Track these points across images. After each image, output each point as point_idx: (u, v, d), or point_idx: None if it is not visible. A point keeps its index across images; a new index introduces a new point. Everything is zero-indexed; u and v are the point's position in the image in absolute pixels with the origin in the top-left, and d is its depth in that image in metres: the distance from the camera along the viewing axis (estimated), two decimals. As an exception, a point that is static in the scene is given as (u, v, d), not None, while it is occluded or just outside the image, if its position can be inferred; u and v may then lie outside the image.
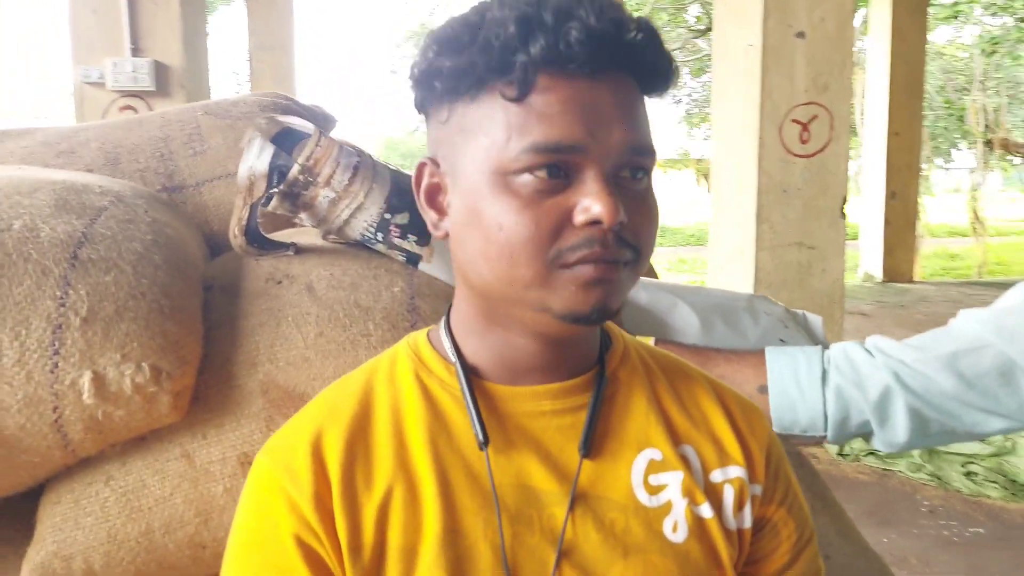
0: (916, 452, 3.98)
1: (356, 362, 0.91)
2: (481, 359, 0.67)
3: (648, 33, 0.61)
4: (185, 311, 0.90)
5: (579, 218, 0.58)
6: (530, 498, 0.64)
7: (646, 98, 0.64)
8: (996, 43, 10.02)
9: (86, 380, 0.80)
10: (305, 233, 1.19)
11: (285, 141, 1.09)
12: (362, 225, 1.04)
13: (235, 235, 1.06)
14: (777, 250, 4.07)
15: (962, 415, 0.99)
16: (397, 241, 1.05)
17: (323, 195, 1.02)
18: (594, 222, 0.58)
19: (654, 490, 0.66)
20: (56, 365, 0.80)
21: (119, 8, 3.93)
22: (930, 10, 8.48)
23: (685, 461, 0.67)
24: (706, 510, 0.66)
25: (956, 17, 9.61)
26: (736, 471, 0.68)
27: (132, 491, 0.86)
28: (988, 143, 11.30)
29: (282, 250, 1.09)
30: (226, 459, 0.87)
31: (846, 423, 1.04)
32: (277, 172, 1.02)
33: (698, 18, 13.63)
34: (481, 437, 0.63)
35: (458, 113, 0.62)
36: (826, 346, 1.38)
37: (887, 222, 8.06)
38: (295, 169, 1.01)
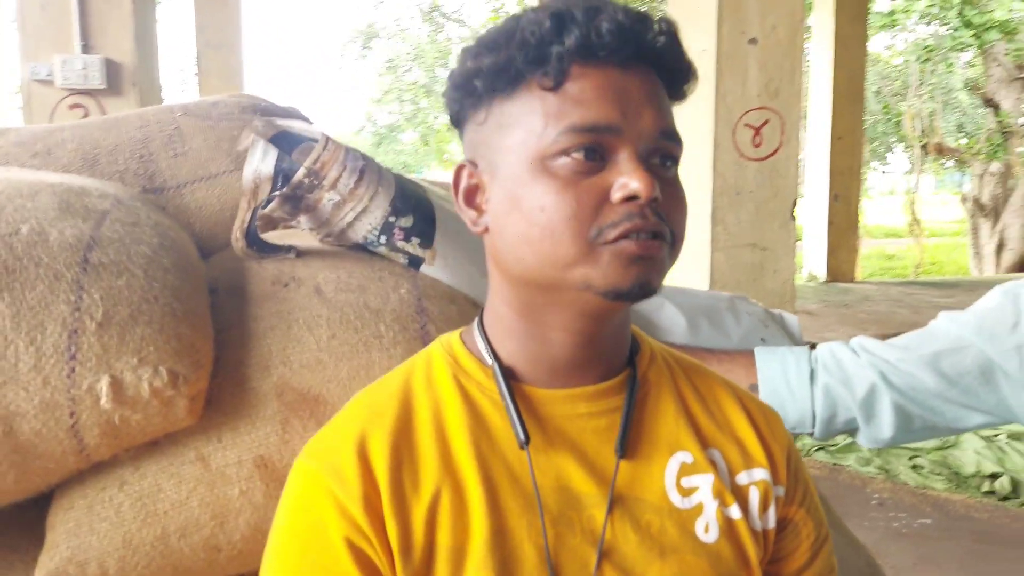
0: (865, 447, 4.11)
1: (370, 364, 0.92)
2: (517, 360, 0.69)
3: (670, 32, 0.65)
4: (197, 314, 0.90)
5: (616, 195, 0.61)
6: (570, 500, 0.66)
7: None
8: (930, 51, 10.38)
9: (104, 384, 0.80)
10: (296, 236, 1.20)
11: (282, 144, 1.09)
12: (366, 228, 1.05)
13: (237, 238, 1.06)
14: (731, 251, 4.16)
15: (944, 411, 1.04)
16: (400, 244, 1.06)
17: (327, 198, 1.03)
18: (631, 198, 0.61)
19: (686, 492, 0.68)
20: (73, 370, 0.80)
21: (69, 4, 3.83)
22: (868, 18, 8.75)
23: (713, 464, 0.70)
24: (735, 511, 0.69)
25: (893, 25, 9.92)
26: (761, 473, 0.71)
27: (147, 495, 0.86)
28: (923, 147, 11.69)
29: (282, 253, 1.09)
30: (242, 462, 0.87)
31: (833, 420, 1.09)
32: (282, 175, 1.03)
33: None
34: (523, 437, 0.65)
35: (495, 112, 0.66)
36: (801, 343, 1.44)
37: (830, 223, 8.28)
38: (301, 172, 1.01)
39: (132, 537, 0.85)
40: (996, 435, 3.99)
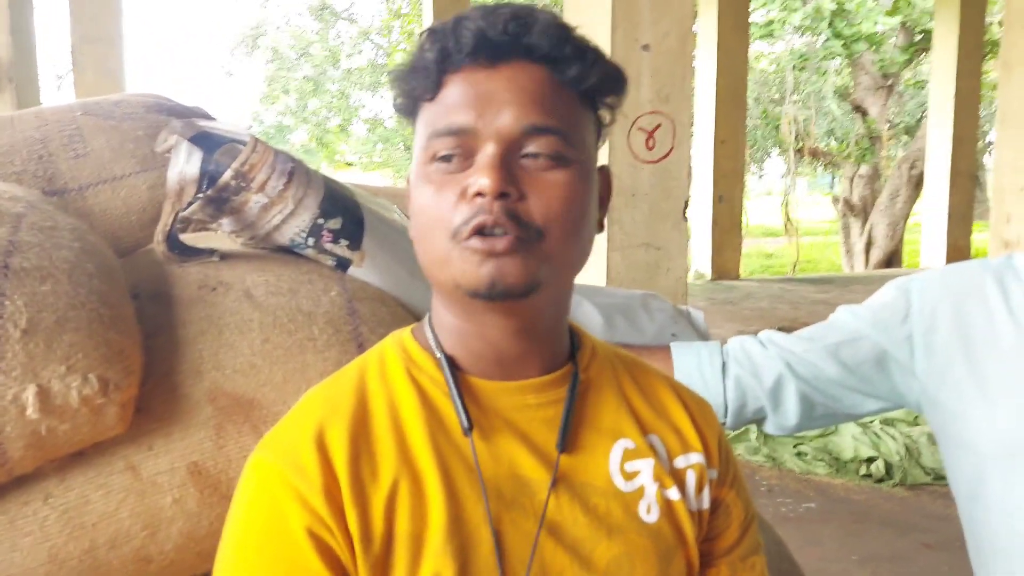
0: (753, 436, 4.32)
1: (304, 367, 0.92)
2: (461, 353, 0.71)
3: (543, 24, 0.66)
4: (124, 320, 0.87)
5: (470, 191, 0.64)
6: (521, 486, 0.68)
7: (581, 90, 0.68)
8: (805, 59, 10.95)
9: (30, 394, 0.77)
10: (211, 238, 1.18)
11: (204, 145, 1.08)
12: (293, 230, 1.05)
13: (158, 241, 1.04)
14: (627, 251, 4.29)
15: (844, 398, 1.12)
16: (329, 246, 1.06)
17: (254, 200, 1.02)
18: (479, 194, 0.63)
19: (629, 476, 0.72)
20: (-4, 380, 0.77)
21: (-64, -8, 3.58)
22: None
23: (653, 449, 0.74)
24: (674, 493, 0.73)
25: (771, 35, 10.42)
26: (696, 457, 0.76)
27: (74, 507, 0.83)
28: (799, 151, 12.32)
29: (204, 256, 1.07)
30: (175, 469, 0.86)
31: (744, 410, 1.15)
32: (207, 177, 1.01)
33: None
34: (465, 423, 0.67)
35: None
36: (708, 337, 1.51)
37: (715, 223, 8.63)
38: (228, 174, 1.00)
39: (58, 551, 0.82)
40: (871, 422, 4.26)
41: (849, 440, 4.12)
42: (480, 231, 0.62)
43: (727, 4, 8.44)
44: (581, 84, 0.68)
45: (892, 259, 11.77)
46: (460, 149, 0.65)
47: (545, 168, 0.65)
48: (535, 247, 0.64)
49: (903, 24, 11.34)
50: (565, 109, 0.67)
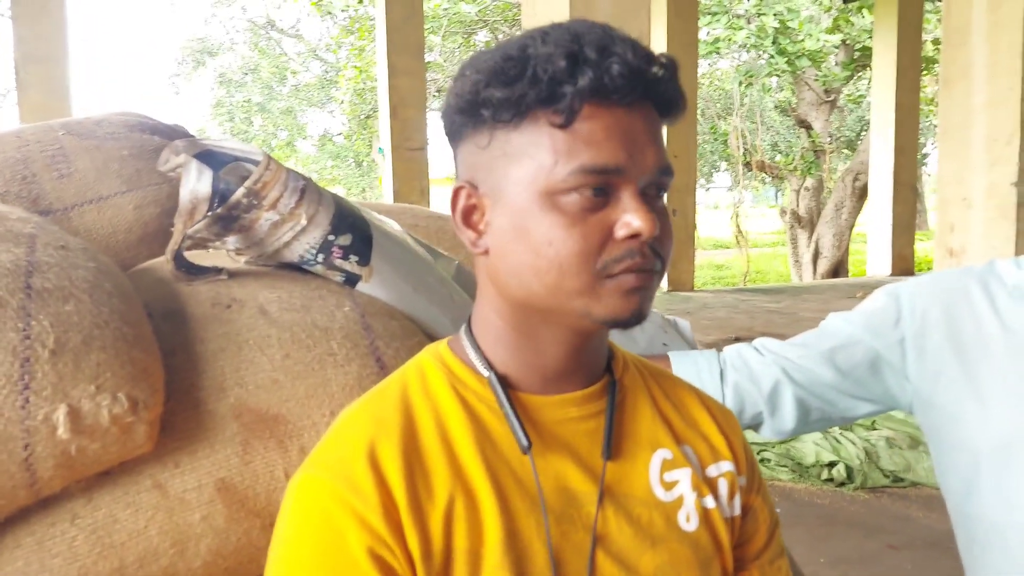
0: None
1: (326, 381, 0.93)
2: (510, 368, 0.72)
3: (671, 69, 0.68)
4: (146, 338, 0.88)
5: (621, 232, 0.65)
6: (570, 499, 0.70)
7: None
8: (751, 76, 11.21)
9: (61, 414, 0.77)
10: (215, 257, 1.18)
11: (208, 163, 1.08)
12: (303, 247, 1.06)
13: (168, 260, 1.04)
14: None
15: (838, 402, 1.16)
16: (339, 262, 1.07)
17: (265, 218, 1.03)
18: (633, 235, 0.65)
19: (668, 486, 0.74)
20: (27, 400, 0.76)
21: None
22: (697, 44, 9.36)
23: (688, 459, 0.76)
24: (710, 501, 0.75)
25: (718, 52, 10.67)
26: (727, 465, 0.78)
27: (102, 527, 0.83)
28: (746, 165, 12.59)
29: (212, 274, 1.07)
30: (202, 486, 0.86)
31: (742, 415, 1.19)
32: (218, 195, 1.01)
33: (487, 43, 14.10)
34: (525, 443, 0.68)
35: (500, 139, 0.67)
36: (695, 345, 1.55)
37: (670, 237, 8.74)
38: (240, 192, 1.00)
39: (88, 571, 0.82)
40: (832, 427, 4.36)
41: (811, 446, 4.21)
42: (630, 270, 0.65)
43: (676, 22, 8.62)
44: (671, 122, 0.71)
45: (839, 269, 12.07)
46: (605, 186, 0.65)
47: (662, 205, 0.69)
48: (659, 277, 0.68)
49: (843, 41, 11.71)
50: (665, 147, 0.70)
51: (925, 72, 11.52)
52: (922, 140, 15.22)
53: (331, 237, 1.05)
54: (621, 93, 0.65)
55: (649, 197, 0.68)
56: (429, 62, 12.27)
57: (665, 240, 0.68)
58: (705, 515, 0.75)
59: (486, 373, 0.72)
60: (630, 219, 0.65)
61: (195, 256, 1.15)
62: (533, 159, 0.66)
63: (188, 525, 0.85)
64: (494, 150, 0.68)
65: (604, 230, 0.65)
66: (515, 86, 0.65)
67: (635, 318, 0.67)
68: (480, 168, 0.70)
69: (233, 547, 0.87)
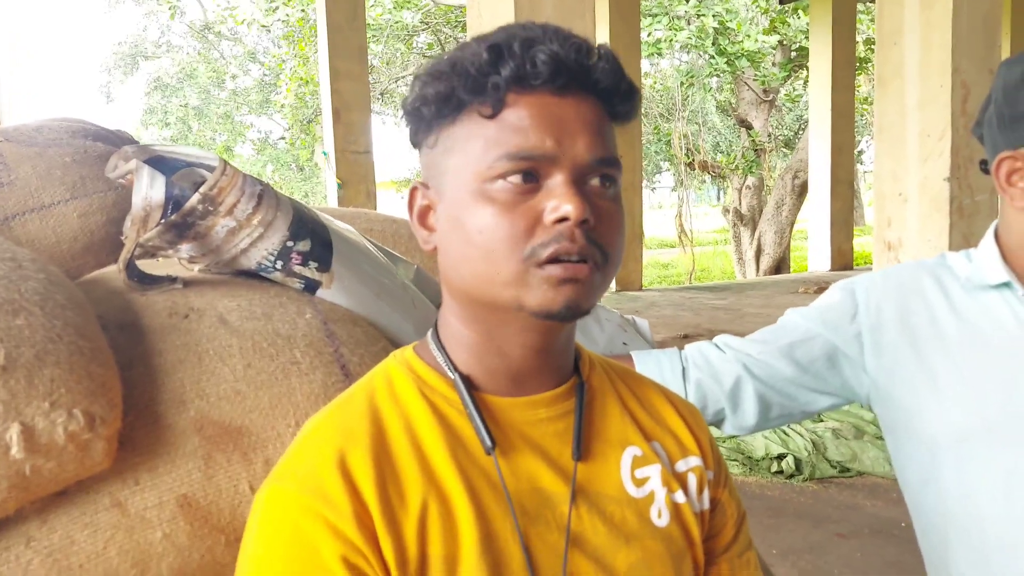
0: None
1: (291, 391, 0.91)
2: (475, 371, 0.72)
3: (608, 59, 0.69)
4: (103, 351, 0.84)
5: (549, 217, 0.65)
6: (544, 499, 0.70)
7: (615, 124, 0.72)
8: (692, 76, 11.38)
9: (14, 433, 0.73)
10: (167, 265, 1.14)
11: (160, 169, 1.05)
12: (261, 254, 1.03)
13: (120, 269, 1.00)
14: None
15: (798, 396, 1.18)
16: (298, 268, 1.05)
17: (221, 224, 1.00)
18: (561, 219, 0.64)
19: (639, 482, 0.74)
20: (-23, 420, 0.73)
21: None
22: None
23: (657, 455, 0.77)
24: (680, 496, 0.76)
25: (659, 53, 10.80)
26: (695, 460, 0.79)
27: (59, 549, 0.79)
28: (689, 165, 12.78)
29: (167, 283, 1.04)
30: (163, 503, 0.83)
31: (704, 412, 1.20)
32: (172, 202, 0.98)
33: (428, 45, 14.06)
34: (488, 443, 0.68)
35: (443, 136, 0.69)
36: (653, 344, 1.56)
37: (616, 237, 8.83)
38: (195, 198, 0.98)
39: (45, 597, 0.78)
40: (793, 421, 4.45)
41: (760, 439, 4.29)
42: (556, 258, 0.64)
43: (619, 23, 8.71)
44: (624, 121, 0.71)
45: (781, 265, 12.33)
46: (533, 172, 0.65)
47: (605, 196, 0.68)
48: (601, 271, 0.67)
49: (780, 42, 11.96)
50: (613, 141, 0.70)
51: (860, 72, 11.83)
52: (858, 138, 15.64)
53: (290, 243, 1.03)
54: (544, 79, 0.65)
55: (588, 187, 0.67)
56: (372, 65, 12.17)
57: (606, 231, 0.67)
58: (676, 510, 0.75)
59: (452, 375, 0.71)
60: (557, 203, 0.64)
61: (147, 265, 1.12)
62: (465, 151, 0.67)
63: (149, 544, 0.82)
64: (439, 148, 0.70)
65: (534, 216, 0.65)
66: (446, 81, 0.67)
67: (568, 310, 0.65)
68: (430, 167, 0.71)
69: (196, 564, 0.84)
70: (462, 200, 0.67)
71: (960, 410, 1.03)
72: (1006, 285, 1.05)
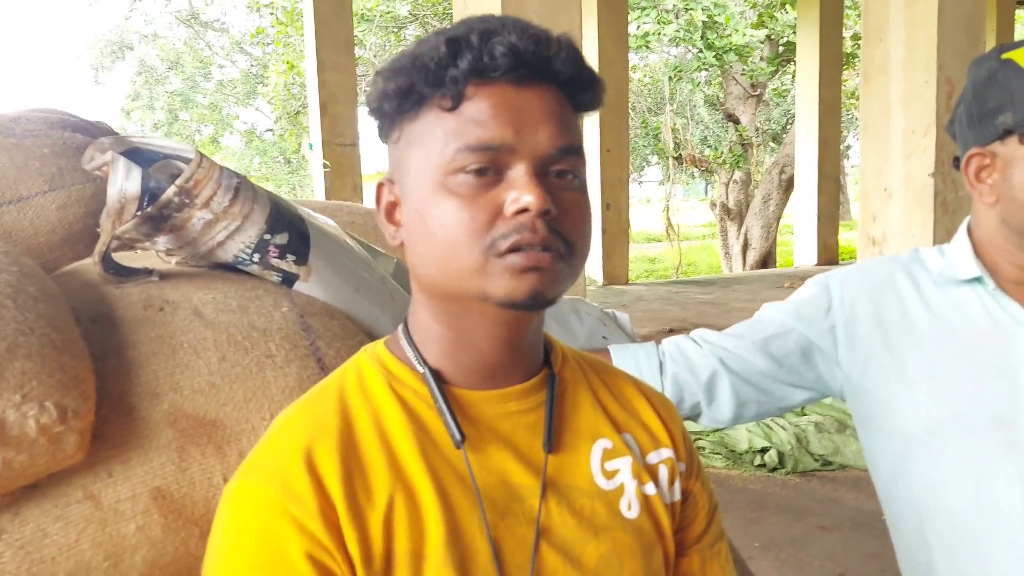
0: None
1: (265, 384, 0.91)
2: (444, 365, 0.72)
3: (567, 49, 0.69)
4: (75, 344, 0.84)
5: (510, 208, 0.65)
6: (512, 493, 0.70)
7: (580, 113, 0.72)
8: (680, 70, 11.39)
9: (-16, 426, 0.73)
10: (144, 258, 1.14)
11: (136, 161, 1.04)
12: (238, 246, 1.03)
13: (95, 262, 1.00)
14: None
15: (773, 390, 1.19)
16: (275, 261, 1.05)
17: (198, 217, 1.00)
18: (522, 211, 0.64)
19: (609, 475, 0.75)
20: (-53, 412, 0.72)
21: None
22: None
23: (628, 447, 0.77)
24: (650, 488, 0.76)
25: (647, 47, 10.80)
26: (667, 452, 0.79)
27: (31, 542, 0.79)
28: (677, 159, 12.80)
29: (142, 276, 1.04)
30: (136, 496, 0.83)
31: (681, 406, 1.21)
32: (148, 194, 0.98)
33: (416, 37, 14.01)
34: (458, 437, 0.68)
35: (405, 131, 0.70)
36: (634, 338, 1.57)
37: (604, 231, 8.86)
38: (171, 191, 0.97)
39: (16, 589, 0.78)
40: (769, 416, 4.47)
41: (743, 433, 4.31)
42: (518, 247, 0.64)
43: (606, 16, 8.71)
44: (587, 109, 0.71)
45: (767, 260, 12.38)
46: (493, 164, 0.65)
47: (569, 187, 0.68)
48: (566, 261, 0.67)
49: (768, 37, 11.99)
50: (577, 131, 0.70)
51: (846, 67, 11.87)
52: (845, 133, 15.71)
53: (267, 236, 1.03)
54: (503, 71, 0.65)
55: (549, 178, 0.67)
56: (359, 57, 12.12)
57: (573, 223, 0.68)
58: (646, 502, 0.76)
59: (421, 369, 0.71)
60: (517, 194, 0.65)
61: (123, 257, 1.11)
62: (427, 144, 0.67)
63: (122, 537, 0.82)
64: (402, 143, 0.70)
65: (494, 208, 0.65)
66: (406, 76, 0.67)
67: (533, 300, 0.65)
68: (395, 163, 0.71)
69: (171, 557, 0.84)
70: (424, 194, 0.67)
71: (931, 403, 1.04)
72: (978, 280, 1.06)
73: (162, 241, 1.04)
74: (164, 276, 1.04)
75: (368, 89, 0.72)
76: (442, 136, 0.66)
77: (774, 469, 4.12)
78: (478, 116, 0.65)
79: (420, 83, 0.66)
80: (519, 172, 0.65)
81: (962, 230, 1.10)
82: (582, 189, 0.70)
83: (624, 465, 0.76)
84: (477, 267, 0.65)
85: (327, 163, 8.02)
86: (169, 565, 0.85)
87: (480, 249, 0.65)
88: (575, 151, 0.69)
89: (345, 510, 0.64)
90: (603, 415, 0.78)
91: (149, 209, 0.98)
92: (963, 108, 1.06)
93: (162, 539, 0.84)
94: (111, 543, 0.82)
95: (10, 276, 0.85)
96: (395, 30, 13.56)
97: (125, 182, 0.97)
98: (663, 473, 0.78)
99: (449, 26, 0.69)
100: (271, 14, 12.82)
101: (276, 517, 0.63)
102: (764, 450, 4.21)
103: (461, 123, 0.66)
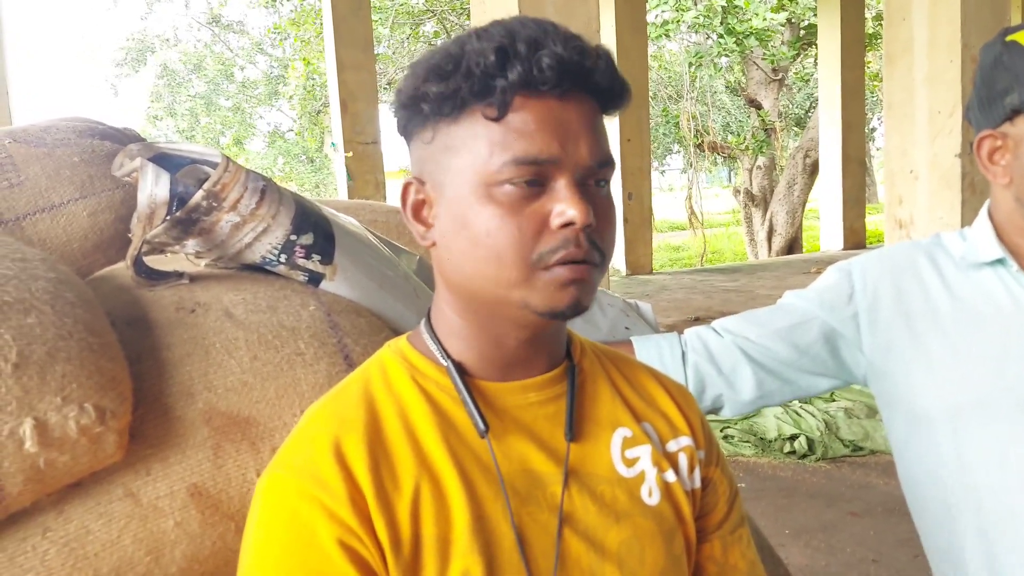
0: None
1: (296, 381, 0.93)
2: (467, 358, 0.74)
3: (606, 59, 0.70)
4: (112, 347, 0.87)
5: (555, 221, 0.67)
6: (534, 481, 0.72)
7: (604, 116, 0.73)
8: (700, 57, 11.31)
9: (27, 428, 0.76)
10: (173, 261, 1.17)
11: (164, 166, 1.07)
12: (265, 248, 1.05)
13: (128, 266, 1.03)
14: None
15: (797, 379, 1.19)
16: (301, 261, 1.07)
17: (226, 220, 1.02)
18: (568, 224, 0.66)
19: (630, 463, 0.76)
20: (-8, 416, 0.75)
21: None
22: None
23: (648, 436, 0.79)
24: (671, 475, 0.78)
25: (667, 35, 10.74)
26: (686, 440, 0.81)
27: (75, 539, 0.82)
28: (699, 146, 12.72)
29: (173, 279, 1.06)
30: (175, 492, 0.86)
31: (703, 395, 1.21)
32: (176, 199, 1.01)
33: (435, 33, 14.03)
34: (482, 427, 0.70)
35: (442, 133, 0.70)
36: (657, 328, 1.57)
37: (626, 221, 8.84)
38: (199, 195, 1.00)
39: (62, 584, 0.81)
40: (791, 401, 4.46)
41: (772, 420, 4.30)
42: (564, 261, 0.66)
43: (624, 6, 8.67)
44: (612, 113, 0.73)
45: (793, 245, 12.28)
46: (538, 176, 0.66)
47: (603, 196, 0.70)
48: (600, 269, 0.69)
49: (789, 20, 11.86)
50: (607, 138, 0.72)
51: (869, 48, 11.72)
52: (869, 115, 15.52)
53: (293, 237, 1.05)
54: (551, 84, 0.66)
55: (588, 188, 0.69)
56: (378, 54, 12.17)
57: (605, 232, 0.70)
58: (666, 489, 0.77)
59: (444, 363, 0.73)
60: (563, 208, 0.66)
61: (155, 261, 1.14)
62: (470, 152, 0.68)
63: (162, 532, 0.85)
64: (437, 144, 0.70)
65: (539, 220, 0.67)
66: (450, 81, 0.67)
67: (573, 310, 0.68)
68: (426, 163, 0.72)
69: (209, 551, 0.87)
70: (466, 200, 0.68)
71: (954, 386, 1.04)
72: (1000, 262, 1.06)
73: (191, 244, 1.07)
74: (194, 279, 1.07)
75: (398, 85, 0.72)
76: (487, 145, 0.67)
77: (804, 456, 4.10)
78: (524, 128, 0.66)
79: (465, 90, 0.66)
80: (563, 185, 0.67)
81: (983, 213, 1.10)
82: (609, 196, 0.72)
83: (644, 453, 0.77)
84: (523, 279, 0.67)
85: (350, 172, 8.09)
86: (208, 559, 0.87)
87: (528, 262, 0.67)
88: (611, 162, 0.71)
89: (374, 498, 0.66)
90: (622, 404, 0.79)
91: (178, 213, 1.01)
92: (974, 93, 1.06)
93: (200, 534, 0.86)
94: (151, 538, 0.85)
95: (48, 283, 0.88)
96: (413, 26, 13.59)
97: (154, 187, 0.99)
98: (683, 461, 0.80)
99: (486, 27, 0.69)
100: (292, 11, 12.88)
101: (307, 506, 0.66)
102: (793, 437, 4.20)
103: (507, 133, 0.66)
